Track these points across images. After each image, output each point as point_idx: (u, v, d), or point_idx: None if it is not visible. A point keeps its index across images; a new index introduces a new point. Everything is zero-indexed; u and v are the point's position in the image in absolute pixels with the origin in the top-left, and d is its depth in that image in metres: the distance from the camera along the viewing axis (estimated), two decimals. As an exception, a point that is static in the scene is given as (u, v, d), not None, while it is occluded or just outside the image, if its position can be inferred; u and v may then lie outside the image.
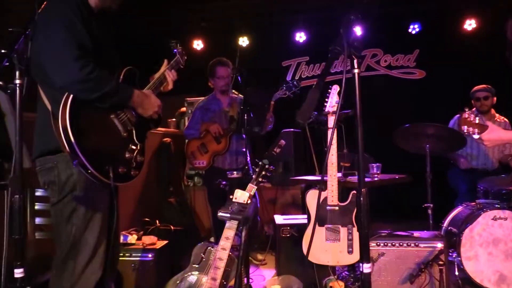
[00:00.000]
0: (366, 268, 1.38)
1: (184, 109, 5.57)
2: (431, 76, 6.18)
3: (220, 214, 2.08)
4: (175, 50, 2.52)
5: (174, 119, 5.56)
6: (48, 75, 1.82)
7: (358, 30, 6.06)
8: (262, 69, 6.47)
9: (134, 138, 2.06)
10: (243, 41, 6.36)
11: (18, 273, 1.28)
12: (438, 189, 3.83)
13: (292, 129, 5.06)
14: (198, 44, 6.48)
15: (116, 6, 2.15)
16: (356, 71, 1.39)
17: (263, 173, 2.59)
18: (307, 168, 5.21)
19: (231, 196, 2.44)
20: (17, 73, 1.29)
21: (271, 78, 6.56)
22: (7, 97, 1.30)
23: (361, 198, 1.42)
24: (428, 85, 6.15)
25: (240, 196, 2.38)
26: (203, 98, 4.34)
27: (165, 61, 2.39)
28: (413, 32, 6.09)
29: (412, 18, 6.07)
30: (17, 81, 1.28)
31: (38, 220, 2.63)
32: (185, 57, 2.55)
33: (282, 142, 5.13)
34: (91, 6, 2.07)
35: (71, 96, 1.80)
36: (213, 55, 4.28)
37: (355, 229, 2.74)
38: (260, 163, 2.62)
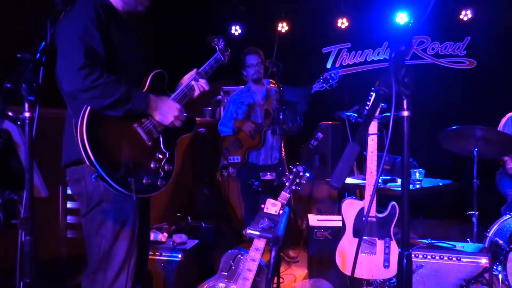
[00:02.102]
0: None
1: (220, 97, 5.49)
2: (482, 66, 5.77)
3: (249, 231, 1.99)
4: (216, 46, 2.32)
5: (209, 108, 5.50)
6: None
7: (404, 16, 5.74)
8: (301, 55, 6.29)
9: (161, 146, 1.97)
10: (282, 27, 6.16)
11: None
12: (486, 192, 3.59)
13: (330, 122, 4.89)
14: (236, 30, 6.32)
15: (143, 8, 2.09)
16: (405, 113, 1.20)
17: (297, 180, 2.49)
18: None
19: (262, 206, 2.35)
20: (26, 105, 1.20)
21: (310, 65, 6.37)
22: (18, 128, 1.22)
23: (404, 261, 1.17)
24: (479, 75, 5.75)
25: (272, 206, 2.29)
26: (239, 87, 4.25)
27: (194, 70, 2.23)
28: (465, 18, 5.67)
29: (464, 4, 5.64)
30: (27, 114, 1.19)
31: (69, 219, 2.64)
32: (228, 53, 2.35)
33: (319, 135, 5.02)
34: (117, 9, 2.02)
35: (89, 106, 1.76)
36: (252, 41, 4.16)
37: (392, 243, 2.59)
38: (294, 170, 2.51)
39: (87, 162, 1.73)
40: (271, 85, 4.11)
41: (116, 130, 1.83)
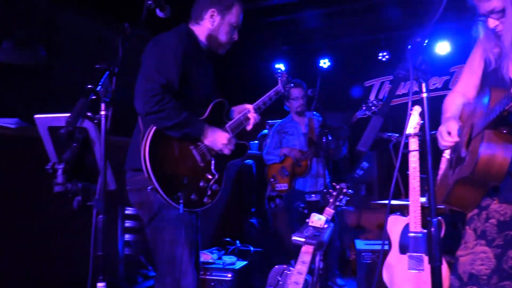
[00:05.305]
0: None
1: (266, 131, 5.68)
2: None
3: (294, 238, 2.09)
4: (279, 79, 2.54)
5: (256, 141, 5.69)
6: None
7: (446, 46, 5.78)
8: (344, 89, 6.44)
9: (212, 168, 2.18)
10: (324, 63, 6.36)
11: (100, 287, 1.41)
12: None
13: (375, 151, 4.93)
14: (279, 68, 6.60)
15: (224, 52, 2.35)
16: (424, 95, 1.33)
17: (341, 197, 2.57)
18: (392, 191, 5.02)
19: (307, 220, 2.44)
20: (102, 105, 1.47)
21: (353, 99, 6.49)
22: (95, 126, 1.47)
23: (432, 229, 1.32)
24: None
25: (317, 220, 2.38)
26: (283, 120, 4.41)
27: (250, 107, 2.39)
28: None
29: None
30: (102, 112, 1.46)
31: (126, 237, 2.83)
32: (291, 85, 2.60)
33: (365, 164, 5.05)
34: (201, 43, 2.27)
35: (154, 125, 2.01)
36: (295, 78, 4.32)
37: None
38: (338, 187, 2.60)
39: (146, 175, 1.97)
40: (315, 116, 4.25)
41: (175, 149, 2.09)
